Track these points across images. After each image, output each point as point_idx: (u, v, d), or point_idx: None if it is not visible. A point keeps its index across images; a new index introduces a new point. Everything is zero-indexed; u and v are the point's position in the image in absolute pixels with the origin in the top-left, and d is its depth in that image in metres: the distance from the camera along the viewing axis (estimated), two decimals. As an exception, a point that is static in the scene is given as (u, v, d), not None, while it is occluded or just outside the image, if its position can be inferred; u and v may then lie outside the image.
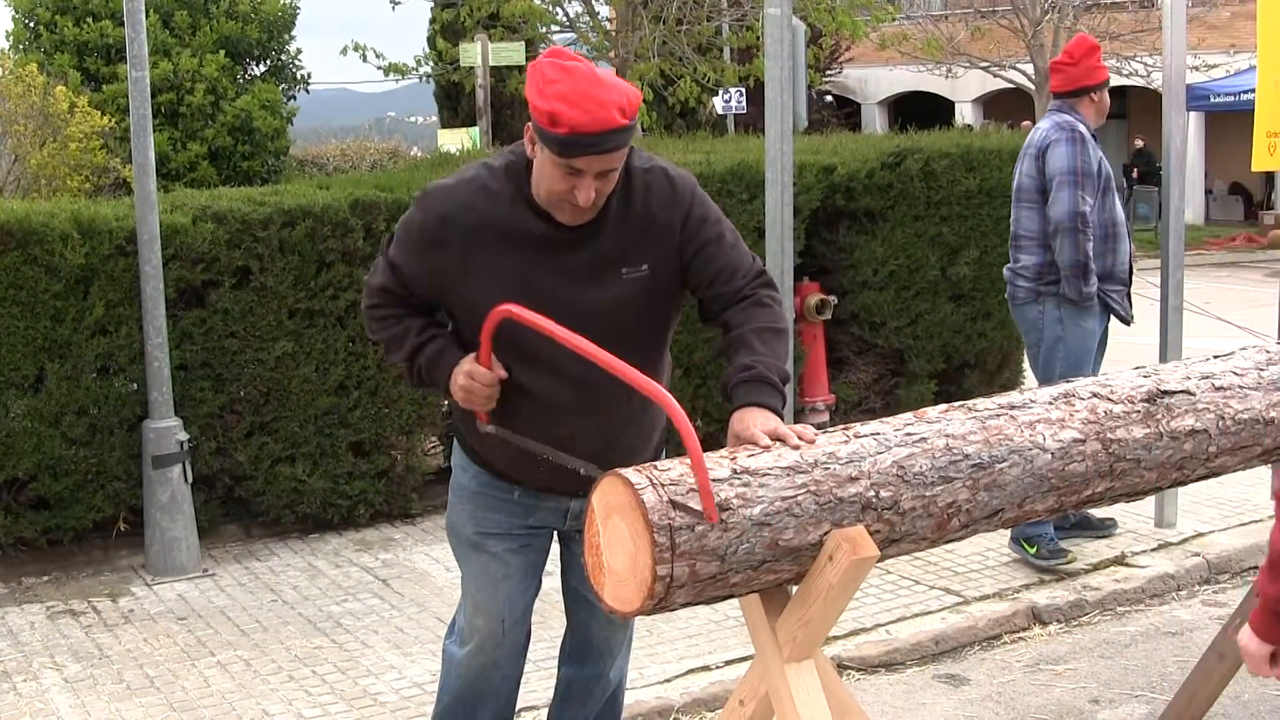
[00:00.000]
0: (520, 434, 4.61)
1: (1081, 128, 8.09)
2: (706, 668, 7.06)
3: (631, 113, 4.26)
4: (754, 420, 4.09)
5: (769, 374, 4.30)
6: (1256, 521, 9.03)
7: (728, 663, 7.10)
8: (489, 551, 4.94)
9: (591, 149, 4.23)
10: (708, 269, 4.56)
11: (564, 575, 5.17)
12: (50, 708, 6.78)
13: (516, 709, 5.32)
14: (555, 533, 5.05)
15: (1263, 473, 8.96)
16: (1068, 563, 8.15)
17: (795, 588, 4.04)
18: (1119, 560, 8.43)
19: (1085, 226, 7.93)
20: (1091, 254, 7.97)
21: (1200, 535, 8.84)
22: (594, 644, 5.24)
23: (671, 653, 7.22)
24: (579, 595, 5.07)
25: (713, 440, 9.09)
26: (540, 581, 5.09)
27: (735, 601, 4.13)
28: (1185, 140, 8.96)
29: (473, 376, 4.46)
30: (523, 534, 4.93)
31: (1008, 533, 8.25)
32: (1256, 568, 8.29)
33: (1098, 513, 8.73)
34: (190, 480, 8.68)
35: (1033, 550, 8.20)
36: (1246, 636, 3.82)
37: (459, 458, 5.00)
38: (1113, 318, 8.28)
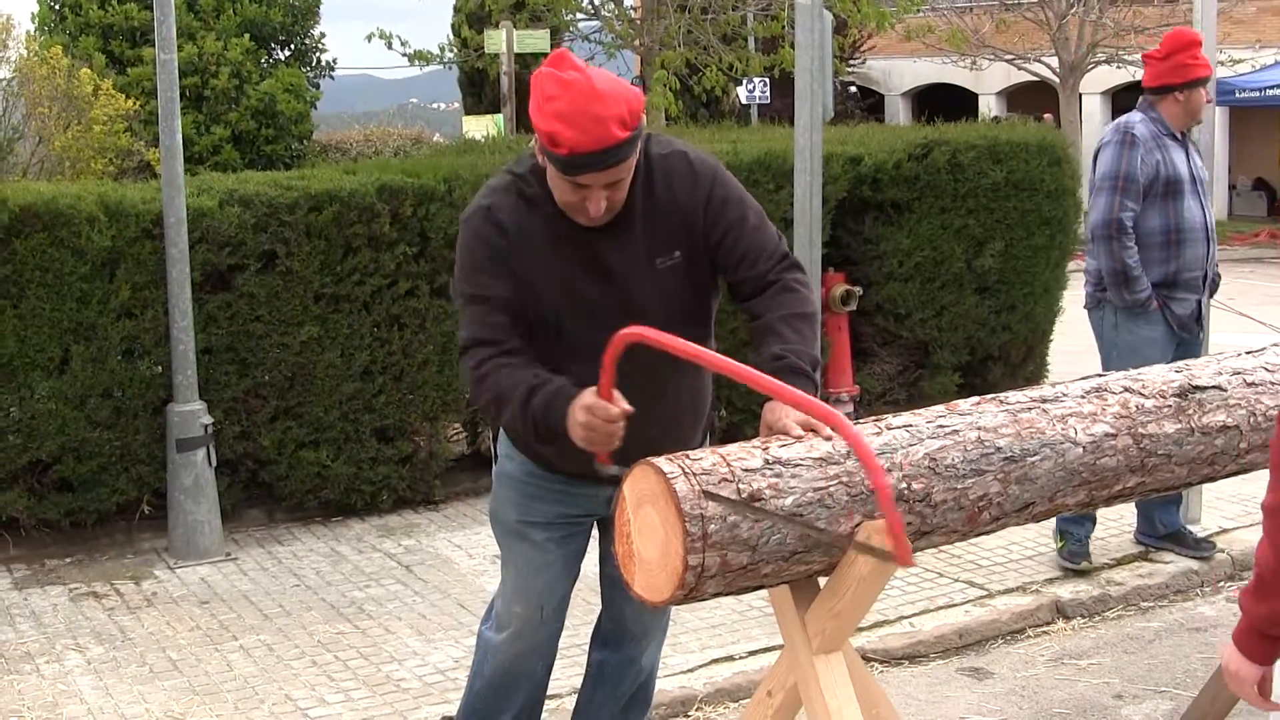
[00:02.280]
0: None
1: (1140, 129, 7.82)
2: (730, 658, 7.05)
3: (634, 123, 4.24)
4: (787, 410, 4.07)
5: (800, 362, 4.28)
6: (1281, 518, 8.98)
7: (751, 653, 7.09)
8: (531, 540, 4.93)
9: (594, 167, 4.23)
10: (734, 252, 4.55)
11: (601, 561, 5.17)
12: (73, 689, 6.79)
13: (542, 695, 5.33)
14: (596, 520, 5.04)
15: (1288, 470, 8.96)
16: (1081, 567, 8.08)
17: (825, 579, 4.03)
18: (1143, 556, 8.40)
19: (1121, 234, 7.71)
20: (1133, 260, 7.72)
21: (1225, 531, 8.80)
22: (629, 629, 5.24)
23: (695, 642, 7.21)
24: (616, 580, 4.99)
25: (737, 431, 9.12)
26: (579, 570, 5.09)
27: (760, 592, 4.13)
28: (1215, 134, 8.93)
29: (593, 412, 4.18)
30: (566, 523, 4.93)
31: (1034, 526, 8.20)
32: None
33: (1199, 531, 8.68)
34: (214, 464, 8.68)
35: (1061, 545, 8.15)
36: (1233, 659, 3.64)
37: (505, 446, 4.97)
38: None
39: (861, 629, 7.30)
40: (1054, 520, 8.19)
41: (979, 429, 4.18)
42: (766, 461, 3.82)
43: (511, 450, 4.93)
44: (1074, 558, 8.09)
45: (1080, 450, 4.32)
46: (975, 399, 4.40)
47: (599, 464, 4.29)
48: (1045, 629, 7.65)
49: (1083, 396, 4.48)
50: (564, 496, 4.87)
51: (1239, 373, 4.81)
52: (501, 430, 4.99)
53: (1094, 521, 8.18)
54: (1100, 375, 4.77)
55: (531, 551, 4.95)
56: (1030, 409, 4.34)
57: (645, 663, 5.35)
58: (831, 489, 3.84)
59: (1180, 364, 4.95)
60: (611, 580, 5.13)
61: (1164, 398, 4.59)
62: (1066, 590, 7.92)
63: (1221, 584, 8.24)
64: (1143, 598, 7.98)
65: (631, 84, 4.50)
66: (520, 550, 4.98)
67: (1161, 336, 7.85)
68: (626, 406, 4.17)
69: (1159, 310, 7.84)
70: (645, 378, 4.37)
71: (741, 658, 7.06)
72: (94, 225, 8.31)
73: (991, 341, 11.45)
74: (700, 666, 6.96)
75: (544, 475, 4.85)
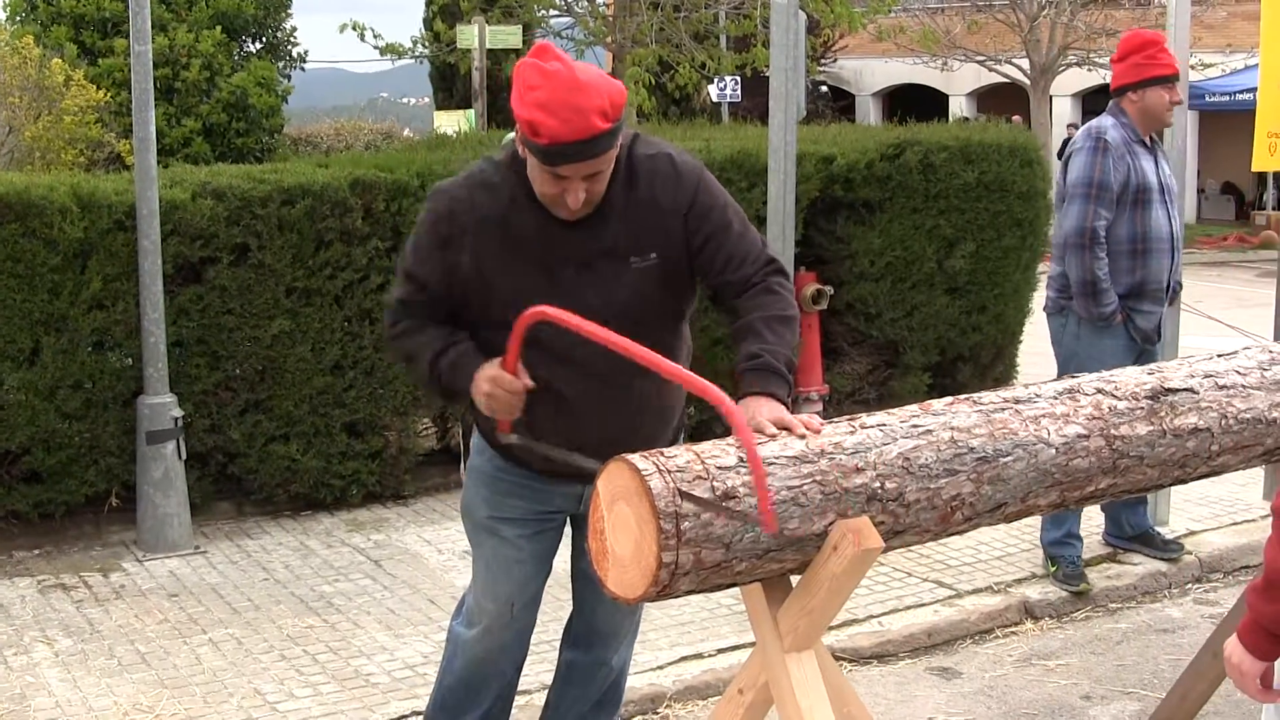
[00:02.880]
0: (537, 428, 4.56)
1: (1112, 134, 7.69)
2: (699, 655, 7.06)
3: (615, 114, 4.25)
4: (760, 409, 4.09)
5: (776, 362, 4.30)
6: (1249, 521, 9.04)
7: (720, 651, 7.10)
8: (501, 535, 4.94)
9: (574, 157, 4.24)
10: (717, 257, 4.55)
11: (574, 559, 5.17)
12: (41, 682, 6.77)
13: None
14: (569, 517, 5.05)
15: (1254, 473, 9.03)
16: (1080, 589, 8.03)
17: (797, 577, 4.04)
18: (1111, 557, 8.42)
19: (1094, 243, 7.59)
20: (1103, 272, 7.63)
21: (1192, 533, 8.83)
22: (600, 629, 5.24)
23: (664, 640, 7.22)
24: (588, 579, 4.95)
25: (706, 429, 9.13)
26: (551, 566, 5.10)
27: (730, 590, 4.14)
28: (1186, 138, 8.92)
29: (497, 383, 4.36)
30: (536, 519, 4.93)
31: (1003, 528, 8.20)
32: (1248, 567, 8.33)
33: (1166, 533, 8.69)
34: (184, 457, 8.66)
35: (1054, 569, 8.10)
36: (1236, 652, 3.70)
37: (479, 442, 4.98)
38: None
39: (831, 628, 7.30)
40: (1038, 538, 8.23)
41: (952, 429, 4.19)
42: (741, 459, 3.82)
43: (483, 446, 4.95)
44: (1070, 580, 8.00)
45: (1053, 451, 4.33)
46: (949, 399, 4.41)
47: (499, 432, 4.53)
48: (1014, 629, 7.67)
49: (1056, 398, 4.50)
50: (535, 492, 4.87)
51: (1210, 375, 4.84)
52: (475, 427, 5.00)
53: (1081, 541, 8.15)
54: (1073, 377, 4.79)
55: (502, 548, 4.96)
56: (1003, 409, 4.36)
57: (615, 663, 5.35)
58: (805, 487, 3.85)
59: (1153, 366, 4.97)
60: (584, 579, 5.13)
61: (1136, 400, 4.61)
62: (1035, 591, 7.95)
63: (1189, 586, 8.28)
64: (1111, 599, 8.01)
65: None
66: (491, 546, 4.99)
67: (1122, 349, 7.72)
68: (528, 381, 4.33)
69: (1121, 323, 7.75)
70: (605, 375, 4.40)
71: (711, 655, 7.06)
72: (66, 216, 8.28)
73: (962, 342, 11.48)
74: (670, 664, 6.97)
75: (515, 471, 4.85)
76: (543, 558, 5.03)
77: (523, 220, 4.49)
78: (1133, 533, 8.47)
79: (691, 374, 3.93)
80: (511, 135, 4.57)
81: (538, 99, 4.18)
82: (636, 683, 6.65)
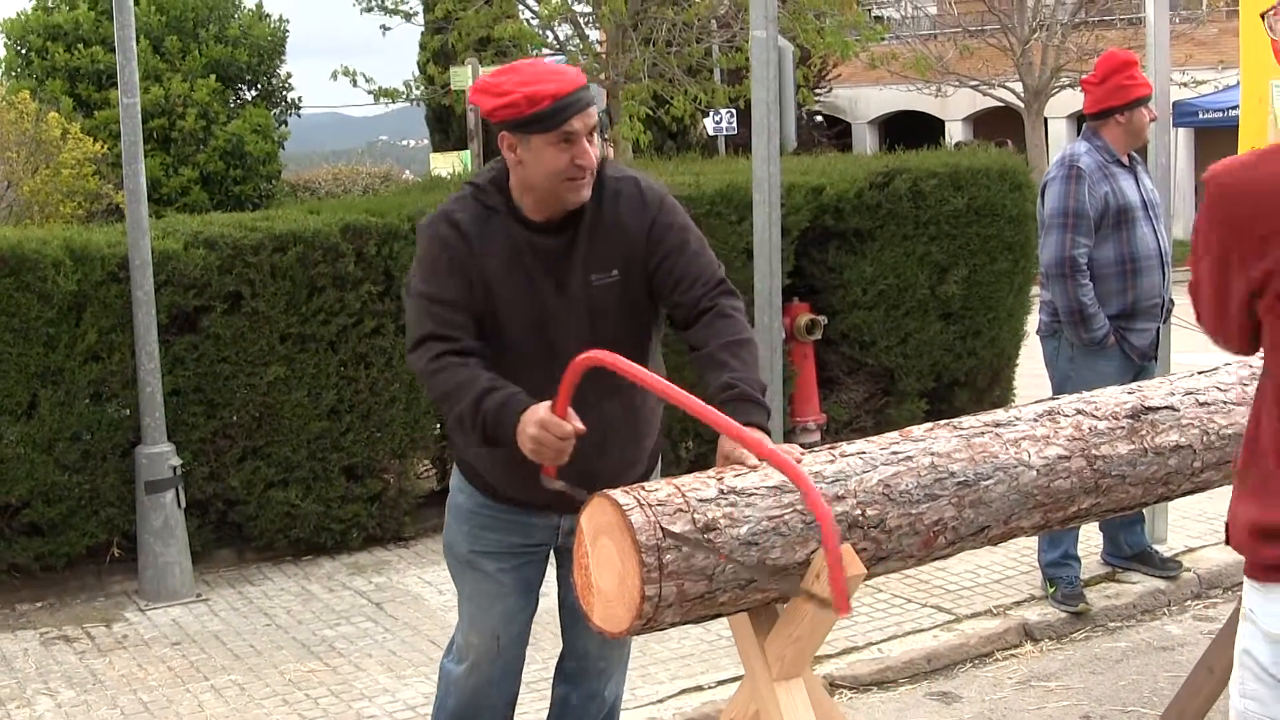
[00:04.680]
0: (502, 454, 4.53)
1: (1085, 161, 7.69)
2: (699, 688, 7.08)
3: (581, 78, 4.50)
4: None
5: (751, 391, 4.32)
6: (1246, 537, 9.03)
7: (720, 683, 7.11)
8: (483, 570, 4.96)
9: (578, 106, 4.40)
10: (670, 276, 4.63)
11: (561, 593, 5.17)
12: (45, 733, 6.81)
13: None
14: (552, 550, 5.06)
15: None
16: (1080, 610, 8.03)
17: (783, 606, 4.07)
18: (1110, 576, 8.44)
19: (1075, 272, 7.61)
20: (1088, 298, 7.64)
21: (1191, 550, 8.83)
22: (591, 662, 5.24)
23: (664, 673, 7.24)
24: (575, 613, 4.96)
25: (704, 461, 9.14)
26: (537, 600, 5.10)
27: (726, 621, 4.16)
28: (1170, 156, 8.95)
29: (545, 427, 4.22)
30: (518, 552, 4.95)
31: (1001, 550, 8.22)
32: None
33: (1165, 551, 8.69)
34: (183, 505, 8.69)
35: (1053, 590, 8.10)
36: None
37: (457, 479, 5.01)
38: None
39: (829, 655, 7.34)
40: (1036, 560, 8.24)
41: (932, 454, 4.22)
42: (721, 491, 3.86)
43: (462, 483, 4.97)
44: (1070, 600, 7.99)
45: (1034, 473, 4.36)
46: (929, 425, 4.45)
47: (544, 476, 4.38)
48: (1013, 652, 7.68)
49: (1035, 419, 4.53)
50: (515, 526, 4.89)
51: (1191, 393, 4.87)
52: (455, 464, 5.04)
53: (1079, 561, 8.16)
54: (1053, 398, 4.82)
55: (484, 582, 4.97)
56: (983, 433, 4.39)
57: (609, 695, 5.36)
58: (786, 517, 3.88)
59: (1133, 385, 5.00)
60: (571, 613, 5.13)
61: (1117, 419, 4.64)
62: (1034, 613, 7.96)
63: (1188, 603, 8.28)
64: (1110, 618, 8.02)
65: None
66: (473, 581, 5.01)
67: (1116, 370, 7.66)
68: (580, 426, 4.23)
69: (1116, 345, 7.76)
70: (575, 398, 4.40)
71: (710, 687, 7.08)
72: (60, 269, 8.32)
73: (957, 367, 11.49)
74: (670, 697, 6.99)
75: (494, 505, 4.88)
76: (526, 591, 5.04)
77: (516, 236, 4.59)
78: (1131, 552, 8.48)
79: (739, 425, 3.95)
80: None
81: (518, 80, 4.39)
82: (636, 716, 6.68)
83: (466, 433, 4.48)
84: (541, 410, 4.25)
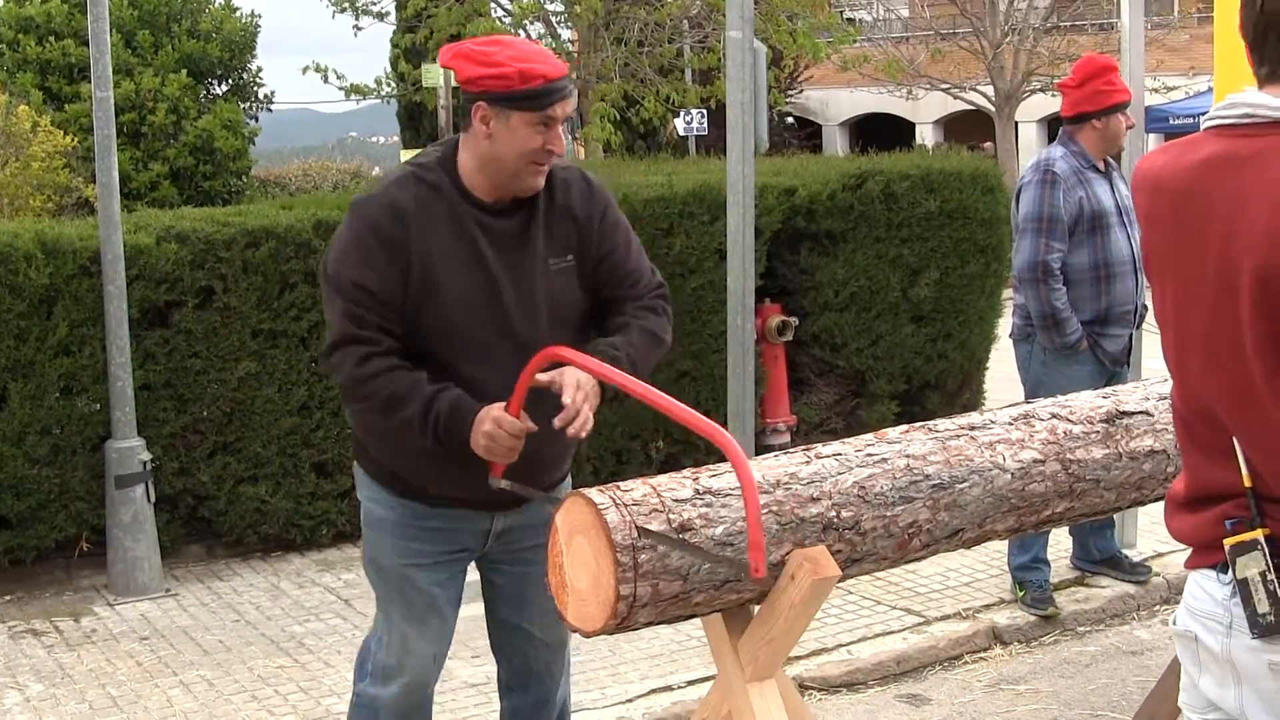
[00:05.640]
0: (436, 452, 4.47)
1: (1060, 166, 7.68)
2: (669, 688, 7.08)
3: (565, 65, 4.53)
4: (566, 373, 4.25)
5: (617, 354, 4.43)
6: (1215, 542, 9.05)
7: (690, 683, 7.11)
8: (417, 585, 4.79)
9: (563, 93, 4.42)
10: (617, 270, 4.68)
11: (491, 607, 5.06)
12: (12, 728, 6.79)
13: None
14: (474, 563, 4.95)
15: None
16: (1049, 613, 8.04)
17: (757, 607, 4.07)
18: (1079, 581, 8.46)
19: (1048, 276, 7.60)
20: (1061, 303, 7.63)
21: (1160, 555, 8.85)
22: (534, 670, 5.11)
23: (634, 673, 7.24)
24: (511, 625, 4.97)
25: (675, 462, 9.15)
26: (458, 609, 4.98)
27: (698, 621, 4.16)
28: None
29: (500, 425, 4.27)
30: (447, 561, 4.80)
31: (971, 553, 8.22)
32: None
33: (1134, 555, 8.72)
34: (153, 500, 8.66)
35: (1022, 594, 8.11)
36: None
37: (370, 490, 4.83)
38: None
39: (799, 657, 7.34)
40: (1006, 564, 8.25)
41: (908, 457, 4.23)
42: (697, 491, 3.86)
43: (377, 492, 4.81)
44: (1039, 604, 8.01)
45: (1009, 477, 4.38)
46: (905, 427, 4.46)
47: (492, 476, 4.41)
48: (983, 655, 7.69)
49: (1010, 423, 4.55)
50: (442, 533, 4.75)
51: (1165, 398, 4.86)
52: (363, 474, 4.86)
53: (1049, 565, 8.17)
54: (1028, 402, 4.83)
55: (419, 598, 4.81)
56: (959, 436, 4.40)
57: (558, 698, 5.21)
58: (761, 518, 3.88)
59: (1108, 390, 5.01)
60: (506, 625, 5.03)
61: (1091, 423, 4.65)
62: (1003, 616, 7.98)
63: (1157, 607, 8.29)
64: (1079, 622, 8.04)
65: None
66: (406, 597, 4.82)
67: (1089, 375, 7.67)
68: (531, 425, 4.27)
69: (1088, 350, 7.75)
70: (501, 396, 4.36)
71: (680, 687, 7.07)
72: (31, 263, 8.29)
73: (928, 370, 11.50)
74: (639, 697, 6.98)
75: (422, 510, 4.73)
76: (455, 603, 4.90)
77: (465, 216, 4.50)
78: (1100, 557, 8.50)
79: (703, 418, 3.89)
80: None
81: (512, 54, 4.37)
82: (606, 716, 6.69)
83: (414, 437, 4.41)
84: (495, 409, 4.29)
